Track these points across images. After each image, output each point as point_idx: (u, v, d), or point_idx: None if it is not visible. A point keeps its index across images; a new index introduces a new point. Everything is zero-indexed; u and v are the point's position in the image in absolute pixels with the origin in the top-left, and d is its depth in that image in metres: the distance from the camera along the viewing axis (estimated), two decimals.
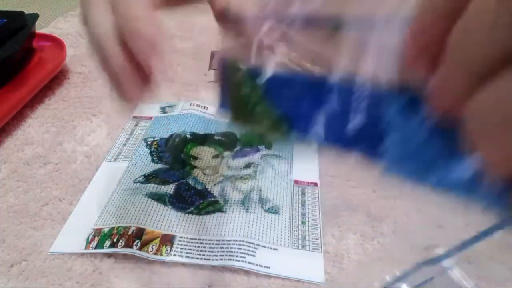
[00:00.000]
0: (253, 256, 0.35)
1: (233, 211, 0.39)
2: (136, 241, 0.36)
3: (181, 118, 0.50)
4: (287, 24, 0.19)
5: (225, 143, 0.47)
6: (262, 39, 0.19)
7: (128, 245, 0.35)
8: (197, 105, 0.52)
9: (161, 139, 0.48)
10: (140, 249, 0.35)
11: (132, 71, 0.24)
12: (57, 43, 0.60)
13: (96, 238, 0.36)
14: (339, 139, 0.17)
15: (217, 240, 0.36)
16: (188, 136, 0.48)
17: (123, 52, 0.24)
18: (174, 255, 0.35)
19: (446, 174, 0.14)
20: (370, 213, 0.40)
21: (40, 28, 0.69)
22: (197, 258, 0.35)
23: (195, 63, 0.62)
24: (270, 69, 0.19)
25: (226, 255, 0.35)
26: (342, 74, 0.16)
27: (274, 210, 0.39)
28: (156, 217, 0.38)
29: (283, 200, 0.41)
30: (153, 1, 0.24)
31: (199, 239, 0.36)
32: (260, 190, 0.41)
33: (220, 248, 0.36)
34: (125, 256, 0.35)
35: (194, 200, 0.40)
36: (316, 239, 0.37)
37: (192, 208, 0.39)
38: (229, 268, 0.35)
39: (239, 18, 0.21)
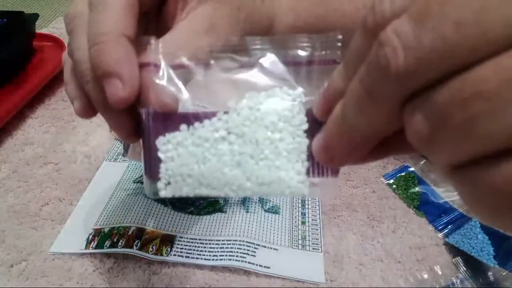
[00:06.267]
0: (253, 256, 0.35)
1: (233, 211, 0.39)
2: (136, 241, 0.36)
3: None
4: None
5: None
6: None
7: (128, 245, 0.35)
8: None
9: None
10: (140, 249, 0.35)
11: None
12: (57, 43, 0.60)
13: (96, 238, 0.36)
14: None
15: (217, 240, 0.36)
16: None
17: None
18: (174, 255, 0.35)
19: None
20: (370, 213, 0.40)
21: (40, 28, 0.69)
22: (197, 258, 0.35)
23: None
24: None
25: (226, 255, 0.35)
26: None
27: (274, 210, 0.39)
28: (156, 217, 0.38)
29: (283, 200, 0.41)
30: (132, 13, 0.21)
31: (199, 239, 0.36)
32: None
33: (220, 248, 0.36)
34: (125, 256, 0.35)
35: (194, 200, 0.40)
36: (316, 239, 0.37)
37: (192, 208, 0.39)
38: (229, 268, 0.35)
39: None
